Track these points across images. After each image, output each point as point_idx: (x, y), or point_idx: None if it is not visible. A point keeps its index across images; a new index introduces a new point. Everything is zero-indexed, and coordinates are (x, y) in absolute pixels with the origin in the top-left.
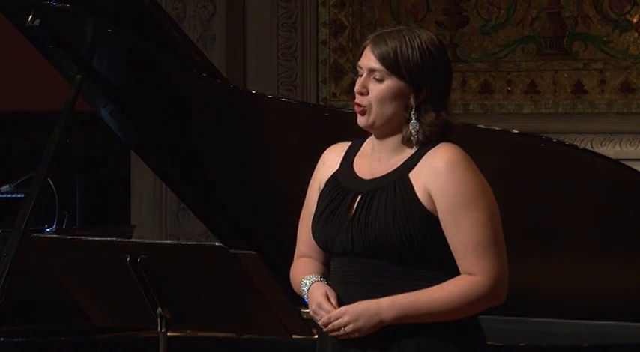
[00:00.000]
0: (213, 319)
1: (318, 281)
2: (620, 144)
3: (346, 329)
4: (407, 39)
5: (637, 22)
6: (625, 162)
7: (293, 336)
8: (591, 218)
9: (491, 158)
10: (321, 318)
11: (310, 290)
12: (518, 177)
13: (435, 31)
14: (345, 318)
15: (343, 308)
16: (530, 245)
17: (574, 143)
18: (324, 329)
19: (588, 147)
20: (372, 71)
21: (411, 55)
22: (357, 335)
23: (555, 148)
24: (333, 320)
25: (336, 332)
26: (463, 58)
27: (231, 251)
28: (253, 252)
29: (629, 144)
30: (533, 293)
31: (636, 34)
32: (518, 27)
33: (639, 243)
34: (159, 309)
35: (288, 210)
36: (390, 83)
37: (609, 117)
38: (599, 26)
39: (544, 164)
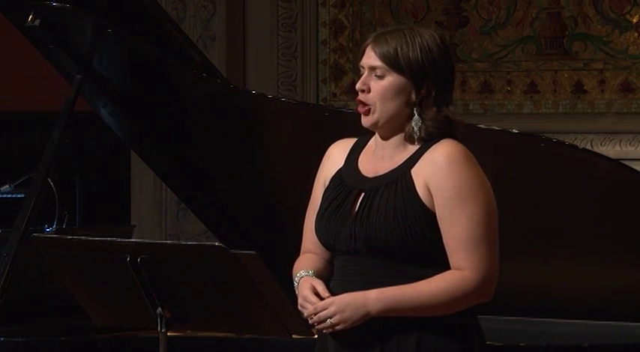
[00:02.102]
0: (213, 319)
1: (307, 276)
2: (620, 144)
3: (332, 320)
4: (408, 37)
5: (637, 22)
6: (625, 162)
7: (293, 336)
8: (591, 218)
9: (491, 158)
10: (307, 309)
11: (299, 285)
12: (518, 177)
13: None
14: (332, 309)
15: (330, 300)
16: (530, 245)
17: (574, 143)
18: (310, 321)
19: (588, 147)
20: (373, 68)
21: (411, 52)
22: (342, 326)
23: (555, 148)
24: (320, 311)
25: (323, 325)
26: (463, 58)
27: (231, 251)
28: (253, 252)
29: (629, 144)
30: (533, 293)
31: (636, 34)
32: (518, 27)
33: (639, 242)
34: (159, 309)
35: (288, 209)
36: (390, 79)
37: (609, 117)
38: (599, 26)
39: (544, 164)
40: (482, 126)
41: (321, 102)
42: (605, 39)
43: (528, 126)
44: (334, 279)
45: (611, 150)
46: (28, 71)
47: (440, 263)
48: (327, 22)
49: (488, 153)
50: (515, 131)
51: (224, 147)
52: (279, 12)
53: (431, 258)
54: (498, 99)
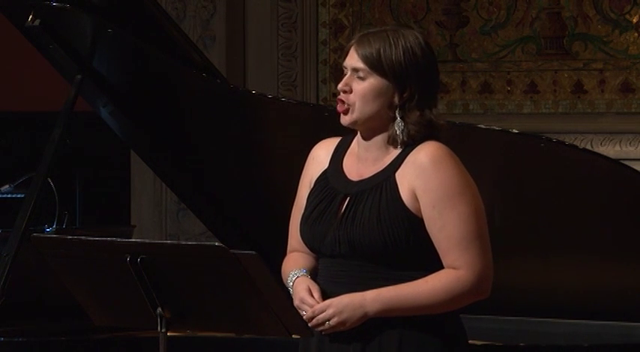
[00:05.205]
0: (213, 319)
1: (301, 275)
2: (620, 144)
3: (331, 322)
4: (391, 39)
5: (637, 22)
6: (625, 162)
7: (293, 336)
8: (591, 218)
9: (492, 158)
10: (305, 313)
11: (294, 285)
12: (518, 177)
13: (434, 31)
14: (330, 311)
15: (327, 302)
16: (530, 245)
17: (574, 143)
18: (309, 324)
19: (588, 147)
20: (355, 70)
21: (394, 55)
22: (342, 328)
23: (555, 148)
24: (318, 314)
25: (321, 327)
26: (463, 58)
27: (231, 251)
28: (253, 252)
29: (629, 144)
30: (534, 293)
31: (636, 34)
32: (518, 27)
33: (639, 242)
34: (159, 309)
35: (287, 210)
36: (372, 81)
37: (609, 117)
38: (599, 26)
39: (544, 164)
40: (482, 126)
41: (321, 103)
42: (605, 39)
43: (528, 126)
44: (319, 279)
45: (611, 150)
46: (28, 71)
47: (424, 266)
48: (327, 22)
49: (488, 153)
50: (515, 131)
51: (224, 147)
52: (279, 12)
53: (415, 261)
54: (498, 99)
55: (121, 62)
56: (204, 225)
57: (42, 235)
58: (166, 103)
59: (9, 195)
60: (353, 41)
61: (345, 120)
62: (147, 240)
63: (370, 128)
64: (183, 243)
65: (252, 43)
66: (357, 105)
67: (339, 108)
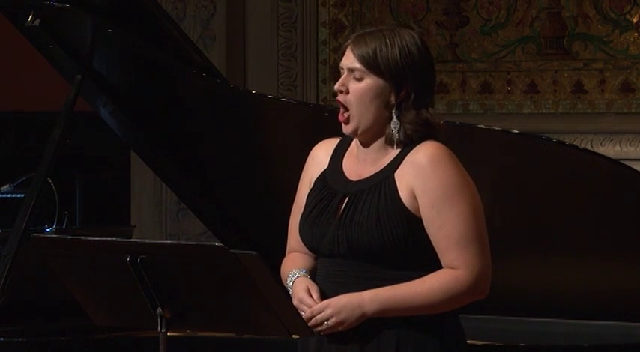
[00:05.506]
0: (213, 319)
1: (301, 276)
2: (620, 144)
3: (329, 322)
4: (387, 38)
5: (637, 22)
6: (625, 162)
7: (293, 336)
8: (591, 218)
9: (492, 158)
10: (304, 313)
11: (293, 285)
12: (518, 177)
13: (434, 31)
14: (328, 312)
15: (325, 302)
16: (530, 245)
17: (574, 143)
18: (308, 324)
19: (588, 147)
20: (351, 70)
21: (390, 54)
22: (340, 328)
23: (555, 148)
24: (316, 314)
25: (320, 327)
26: (463, 58)
27: (231, 251)
28: (253, 252)
29: (629, 144)
30: (534, 293)
31: (636, 34)
32: (518, 27)
33: (639, 242)
34: (159, 309)
35: (287, 210)
36: (369, 82)
37: (609, 117)
38: (599, 26)
39: (544, 164)
40: (482, 126)
41: (321, 103)
42: (605, 39)
43: (528, 126)
44: (318, 278)
45: (611, 150)
46: (28, 71)
47: (422, 266)
48: (327, 22)
49: (488, 153)
50: (515, 131)
51: (224, 147)
52: (279, 12)
53: (413, 261)
54: (498, 99)
55: (121, 62)
56: (204, 225)
57: (42, 235)
58: (166, 103)
59: (9, 195)
60: (349, 41)
61: (347, 129)
62: (147, 240)
63: (370, 136)
64: (183, 243)
65: (252, 43)
66: (356, 108)
67: (340, 117)
